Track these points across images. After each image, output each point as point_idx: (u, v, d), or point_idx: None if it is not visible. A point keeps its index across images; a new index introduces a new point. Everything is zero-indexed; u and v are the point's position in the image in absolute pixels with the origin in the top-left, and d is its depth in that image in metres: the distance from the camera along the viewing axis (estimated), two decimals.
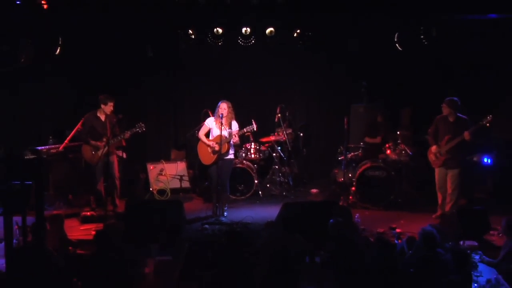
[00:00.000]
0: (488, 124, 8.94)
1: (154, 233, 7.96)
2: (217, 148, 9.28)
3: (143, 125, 9.62)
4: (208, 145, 9.41)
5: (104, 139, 9.45)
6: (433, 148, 9.37)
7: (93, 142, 9.54)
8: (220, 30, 10.98)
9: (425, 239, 6.30)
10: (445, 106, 9.20)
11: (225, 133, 9.23)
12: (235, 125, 9.42)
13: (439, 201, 9.51)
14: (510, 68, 11.15)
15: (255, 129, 9.49)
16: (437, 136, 9.37)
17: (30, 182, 5.34)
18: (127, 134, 9.57)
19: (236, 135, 9.38)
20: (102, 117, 9.61)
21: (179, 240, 8.13)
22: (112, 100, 9.57)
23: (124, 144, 9.88)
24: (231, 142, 9.39)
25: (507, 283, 6.28)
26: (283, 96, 11.95)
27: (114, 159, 9.76)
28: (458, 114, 9.15)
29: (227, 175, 9.63)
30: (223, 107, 9.26)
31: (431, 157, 9.46)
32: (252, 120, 9.45)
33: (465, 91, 10.38)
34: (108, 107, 9.55)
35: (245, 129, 9.43)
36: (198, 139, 9.59)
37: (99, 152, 9.51)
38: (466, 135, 8.93)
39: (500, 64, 11.17)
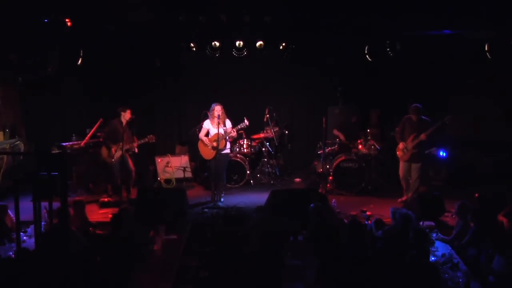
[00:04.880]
0: (448, 122, 9.02)
1: (161, 216, 7.95)
2: (215, 145, 9.30)
3: (153, 137, 9.65)
4: (208, 144, 9.42)
5: (120, 144, 9.45)
6: (400, 145, 9.42)
7: (112, 149, 9.55)
8: (217, 44, 10.94)
9: (403, 219, 6.34)
10: (411, 112, 9.25)
11: (221, 131, 9.24)
12: (228, 123, 9.45)
13: (404, 188, 9.58)
14: (460, 75, 11.23)
15: (247, 124, 9.49)
16: (403, 134, 9.42)
17: (56, 173, 5.33)
18: (139, 142, 9.64)
19: (233, 131, 9.41)
20: (124, 123, 9.63)
21: (182, 221, 8.14)
22: (129, 108, 9.63)
23: (136, 145, 9.85)
24: (227, 138, 9.41)
25: (458, 257, 6.34)
26: (271, 99, 11.91)
27: (128, 157, 9.75)
28: (421, 116, 9.21)
29: (223, 167, 9.64)
30: (218, 109, 9.28)
31: (399, 153, 9.47)
32: (245, 118, 9.45)
33: (422, 94, 10.43)
34: (127, 114, 9.60)
35: (239, 126, 9.45)
36: (199, 137, 9.60)
37: (114, 155, 9.53)
38: (423, 136, 9.01)
39: (451, 72, 11.23)
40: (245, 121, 9.40)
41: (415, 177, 9.33)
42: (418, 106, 9.21)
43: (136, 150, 10.04)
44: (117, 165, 9.65)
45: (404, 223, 6.29)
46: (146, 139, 9.61)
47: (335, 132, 11.00)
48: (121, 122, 9.64)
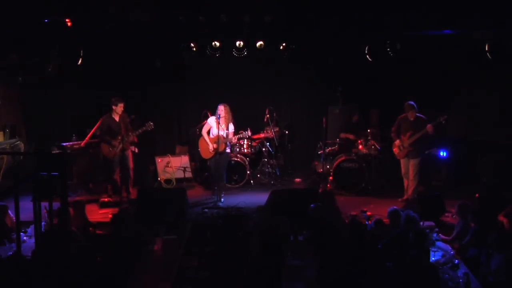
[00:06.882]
0: (444, 121, 9.05)
1: (161, 216, 7.96)
2: (215, 146, 9.30)
3: (151, 123, 9.63)
4: (208, 143, 9.42)
5: (119, 138, 9.44)
6: (397, 142, 9.46)
7: (112, 142, 9.51)
8: (217, 44, 10.94)
9: (408, 221, 6.32)
10: (406, 110, 9.31)
11: (222, 133, 9.23)
12: (231, 127, 9.45)
13: (405, 186, 9.61)
14: (460, 76, 11.21)
15: (249, 135, 9.61)
16: (399, 133, 9.47)
17: (56, 173, 5.32)
18: (138, 132, 9.59)
19: (235, 138, 9.44)
20: (117, 118, 9.60)
21: (183, 222, 8.13)
22: (122, 101, 9.59)
23: (136, 140, 9.87)
24: (228, 142, 9.42)
25: (459, 257, 6.33)
26: (271, 99, 11.91)
27: (129, 153, 9.75)
28: (417, 114, 9.24)
29: (223, 167, 9.66)
30: (221, 109, 9.30)
31: (396, 150, 9.55)
32: (249, 128, 9.51)
33: (423, 94, 10.43)
34: (119, 108, 9.55)
35: (240, 134, 9.52)
36: (199, 136, 9.61)
37: (115, 149, 9.51)
38: (429, 128, 9.02)
39: (451, 72, 11.21)
40: (248, 131, 9.48)
41: (414, 174, 9.37)
42: (411, 103, 9.30)
43: (136, 150, 10.05)
44: (117, 160, 9.62)
45: (408, 225, 6.27)
46: (144, 127, 9.59)
47: (342, 135, 10.96)
48: (112, 118, 9.60)
